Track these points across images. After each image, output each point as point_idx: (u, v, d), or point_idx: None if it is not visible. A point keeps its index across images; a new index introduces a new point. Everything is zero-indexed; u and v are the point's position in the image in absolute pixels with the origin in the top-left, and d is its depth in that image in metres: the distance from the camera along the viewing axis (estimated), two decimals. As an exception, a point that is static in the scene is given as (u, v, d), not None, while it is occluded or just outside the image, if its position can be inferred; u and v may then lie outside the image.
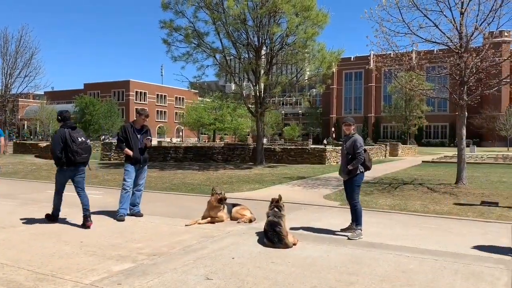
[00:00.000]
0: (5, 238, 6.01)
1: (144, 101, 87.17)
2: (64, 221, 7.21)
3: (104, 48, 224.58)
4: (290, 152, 23.82)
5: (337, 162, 23.12)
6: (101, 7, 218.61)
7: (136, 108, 8.99)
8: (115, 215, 7.45)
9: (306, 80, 25.56)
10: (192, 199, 10.11)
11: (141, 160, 7.71)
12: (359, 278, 4.44)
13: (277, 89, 21.88)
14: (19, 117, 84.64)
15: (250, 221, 7.20)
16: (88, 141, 7.04)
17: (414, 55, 15.19)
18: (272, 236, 5.61)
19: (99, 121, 62.68)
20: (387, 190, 11.93)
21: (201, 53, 21.55)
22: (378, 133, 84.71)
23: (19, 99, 54.53)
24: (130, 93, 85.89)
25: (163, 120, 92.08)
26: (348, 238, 6.17)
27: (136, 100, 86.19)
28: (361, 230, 6.26)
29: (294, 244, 5.68)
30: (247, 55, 22.14)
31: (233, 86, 35.64)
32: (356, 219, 6.34)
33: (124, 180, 7.62)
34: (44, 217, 7.31)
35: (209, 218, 7.08)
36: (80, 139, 6.80)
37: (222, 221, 7.12)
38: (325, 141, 68.81)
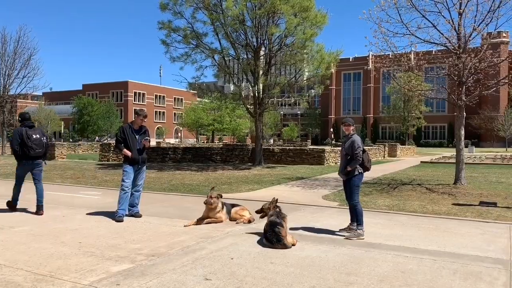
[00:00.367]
0: (3, 238, 6.00)
1: (142, 101, 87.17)
2: (62, 222, 7.19)
3: (103, 49, 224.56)
4: (288, 152, 23.84)
5: (335, 163, 23.13)
6: (100, 8, 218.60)
7: (134, 109, 9.00)
8: (114, 216, 7.44)
9: (305, 81, 25.55)
10: (191, 199, 10.10)
11: (140, 161, 7.70)
12: (358, 278, 4.44)
13: (275, 89, 21.88)
14: (17, 118, 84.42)
15: (249, 221, 7.20)
16: (44, 138, 7.97)
17: (412, 56, 15.21)
18: (271, 236, 5.61)
19: (97, 122, 62.66)
20: (386, 190, 11.94)
21: (199, 53, 21.55)
22: (376, 134, 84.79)
23: (18, 100, 54.41)
24: (129, 93, 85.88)
25: (161, 121, 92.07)
26: (346, 238, 6.17)
27: (134, 101, 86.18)
28: (363, 230, 6.25)
29: (293, 245, 5.67)
30: (245, 56, 22.13)
31: (231, 87, 35.66)
32: (357, 220, 6.32)
33: (123, 180, 7.61)
34: (6, 205, 8.22)
35: (208, 219, 7.08)
36: (35, 136, 7.75)
37: (221, 221, 7.11)
38: (330, 140, 68.75)
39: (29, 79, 33.79)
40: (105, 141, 47.02)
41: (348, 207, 6.70)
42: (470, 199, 10.17)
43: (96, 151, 32.50)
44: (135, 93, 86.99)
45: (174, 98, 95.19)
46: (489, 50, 13.12)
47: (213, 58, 22.04)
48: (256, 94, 21.58)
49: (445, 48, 13.27)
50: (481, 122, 64.31)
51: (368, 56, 77.56)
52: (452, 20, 12.71)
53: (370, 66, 77.04)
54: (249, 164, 22.41)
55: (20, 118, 8.03)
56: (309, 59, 21.82)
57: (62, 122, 79.03)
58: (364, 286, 4.25)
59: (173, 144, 48.02)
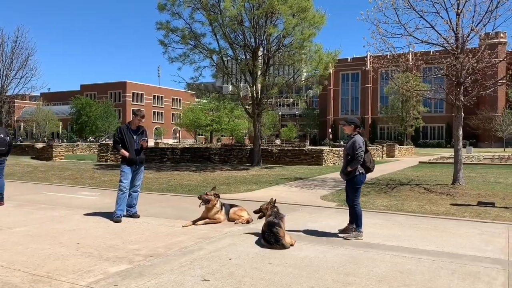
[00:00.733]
0: (1, 239, 5.98)
1: (140, 102, 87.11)
2: (60, 222, 7.18)
3: (101, 49, 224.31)
4: (287, 153, 23.84)
5: (334, 163, 23.15)
6: (98, 8, 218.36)
7: (132, 109, 8.97)
8: (112, 216, 7.43)
9: (303, 81, 25.58)
10: (189, 200, 10.09)
11: (137, 161, 7.69)
12: (356, 279, 4.44)
13: (274, 90, 21.89)
14: (15, 118, 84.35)
15: (248, 222, 7.19)
16: (7, 138, 8.86)
17: (410, 56, 15.22)
18: (269, 236, 5.61)
19: (95, 123, 62.56)
20: (384, 190, 11.95)
21: (198, 54, 21.55)
22: (375, 134, 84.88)
23: (15, 101, 54.29)
24: (127, 94, 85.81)
25: (159, 121, 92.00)
26: (344, 238, 6.17)
27: (132, 101, 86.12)
28: (361, 232, 6.23)
29: (291, 245, 5.67)
30: (244, 56, 22.13)
31: (230, 87, 35.67)
32: (356, 221, 6.30)
33: (121, 181, 7.59)
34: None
35: (206, 219, 7.07)
36: None
37: (219, 222, 7.10)
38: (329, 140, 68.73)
39: (27, 80, 33.85)
40: (103, 142, 46.96)
41: (347, 208, 6.69)
42: (468, 199, 10.19)
43: (94, 152, 32.42)
44: (133, 93, 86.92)
45: (173, 98, 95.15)
46: (487, 51, 13.14)
47: (211, 59, 22.03)
48: (254, 94, 21.58)
49: (443, 48, 13.28)
50: (479, 122, 64.44)
51: (366, 56, 77.70)
52: (450, 21, 12.73)
53: (368, 67, 77.18)
54: (248, 164, 22.41)
55: None
56: (307, 60, 21.84)
57: (60, 122, 78.93)
58: (362, 286, 4.24)
59: (171, 144, 47.97)
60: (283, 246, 5.54)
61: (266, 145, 46.67)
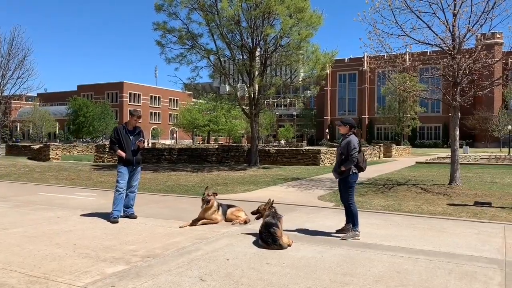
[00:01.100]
0: (-3, 240, 5.95)
1: (138, 102, 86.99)
2: (57, 223, 7.15)
3: (98, 50, 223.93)
4: (284, 153, 23.85)
5: (331, 163, 23.16)
6: (95, 9, 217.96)
7: (129, 110, 8.94)
8: (109, 217, 7.41)
9: (300, 82, 25.61)
10: (186, 200, 10.08)
11: (134, 162, 7.67)
12: (354, 279, 4.44)
13: (271, 90, 21.89)
14: (11, 119, 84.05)
15: (245, 222, 7.18)
16: None
17: (407, 57, 15.27)
18: (267, 237, 5.60)
19: (93, 123, 62.41)
20: (381, 191, 11.96)
21: (195, 54, 21.53)
22: (372, 134, 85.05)
23: (12, 101, 54.11)
24: (124, 94, 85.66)
25: (157, 122, 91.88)
26: (341, 239, 6.17)
27: (130, 101, 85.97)
28: (358, 231, 6.24)
29: (289, 245, 5.67)
30: (241, 57, 22.14)
31: (227, 88, 35.68)
32: (352, 220, 6.31)
33: (117, 181, 7.57)
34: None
35: (203, 220, 7.06)
36: None
37: (216, 222, 7.09)
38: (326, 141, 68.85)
39: (24, 80, 33.61)
40: (100, 142, 46.85)
41: (343, 208, 6.70)
42: (465, 199, 10.21)
43: (91, 152, 32.36)
44: (130, 94, 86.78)
45: (170, 99, 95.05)
46: (483, 51, 13.19)
47: (208, 59, 22.02)
48: (252, 94, 21.58)
49: (439, 49, 13.32)
50: (476, 122, 64.69)
51: (363, 57, 77.90)
52: (447, 21, 12.77)
53: (365, 67, 77.35)
54: (245, 164, 22.40)
55: None
56: (304, 60, 21.86)
57: (57, 123, 78.71)
58: (359, 286, 4.25)
59: (168, 145, 47.90)
60: (280, 247, 5.54)
61: (264, 145, 46.70)
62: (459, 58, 12.49)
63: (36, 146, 30.57)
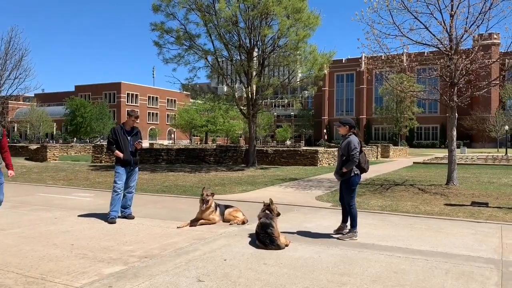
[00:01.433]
0: (-6, 241, 5.94)
1: (135, 103, 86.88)
2: (54, 224, 7.14)
3: (96, 50, 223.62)
4: (282, 153, 23.85)
5: (329, 164, 23.20)
6: (93, 9, 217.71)
7: (126, 110, 8.92)
8: (106, 218, 7.40)
9: (298, 82, 25.65)
10: (184, 201, 10.07)
11: (132, 162, 7.66)
12: (351, 279, 4.45)
13: (269, 91, 21.90)
14: (9, 119, 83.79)
15: (243, 223, 7.18)
16: None
17: (405, 57, 15.29)
18: (264, 237, 5.61)
19: (90, 123, 62.31)
20: (379, 191, 11.99)
21: (192, 55, 21.52)
22: (369, 135, 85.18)
23: (9, 101, 53.96)
24: (122, 95, 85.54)
25: (154, 122, 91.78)
26: (339, 239, 6.18)
27: (127, 102, 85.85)
28: (356, 232, 6.24)
29: (286, 245, 5.67)
30: (239, 57, 22.14)
31: (225, 88, 35.67)
32: (351, 222, 6.30)
33: (115, 182, 7.56)
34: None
35: (201, 220, 7.06)
36: None
37: (214, 223, 7.09)
38: (324, 141, 68.95)
39: (21, 80, 33.62)
40: (97, 143, 46.79)
41: (341, 208, 6.70)
42: (462, 200, 10.24)
43: (89, 153, 32.31)
44: (128, 94, 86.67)
45: (167, 99, 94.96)
46: (480, 52, 13.23)
47: (206, 59, 22.02)
48: (250, 95, 21.59)
49: (437, 49, 13.35)
50: (473, 123, 64.86)
51: (361, 57, 77.94)
52: (444, 22, 12.80)
53: (363, 68, 77.43)
54: (243, 165, 22.40)
55: None
56: (302, 60, 21.88)
57: (55, 123, 78.51)
58: (357, 286, 4.25)
59: (166, 145, 47.84)
60: (278, 247, 5.54)
61: (262, 146, 46.70)
62: (456, 59, 12.52)
63: (33, 146, 30.50)
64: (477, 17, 12.42)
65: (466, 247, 5.80)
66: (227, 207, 7.50)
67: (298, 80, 24.91)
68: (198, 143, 66.95)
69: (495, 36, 60.45)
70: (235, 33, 21.03)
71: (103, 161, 25.17)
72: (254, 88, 21.80)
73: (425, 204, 9.49)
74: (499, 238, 6.38)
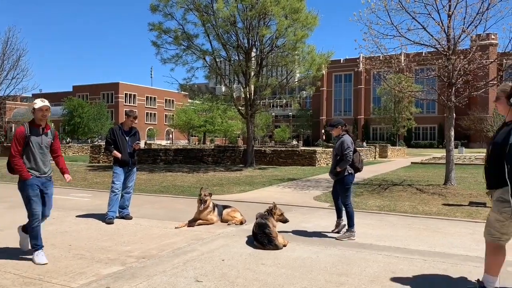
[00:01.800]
0: (-9, 242, 5.92)
1: (133, 103, 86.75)
2: (52, 224, 7.12)
3: (93, 50, 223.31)
4: (280, 154, 23.85)
5: (327, 164, 23.20)
6: (91, 9, 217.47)
7: (125, 110, 8.86)
8: (104, 218, 7.39)
9: (296, 82, 25.65)
10: (182, 201, 10.07)
11: (130, 162, 7.65)
12: (349, 279, 4.45)
13: (267, 91, 21.91)
14: (6, 119, 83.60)
15: (241, 223, 7.18)
16: None
17: (402, 58, 15.31)
18: (262, 238, 5.61)
19: (88, 124, 62.22)
20: (377, 191, 12.00)
21: (190, 55, 21.51)
22: (367, 135, 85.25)
23: (6, 102, 53.83)
24: (119, 95, 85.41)
25: (152, 123, 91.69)
26: (336, 239, 6.19)
27: (125, 102, 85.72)
28: (354, 232, 6.26)
29: (284, 246, 5.68)
30: (237, 57, 22.13)
31: (223, 88, 35.66)
32: (348, 221, 6.32)
33: (113, 182, 7.55)
34: None
35: (199, 221, 7.05)
36: None
37: (212, 223, 7.09)
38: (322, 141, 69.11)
39: (18, 81, 33.51)
40: (95, 143, 46.72)
41: (334, 208, 6.76)
42: (460, 200, 10.26)
43: (86, 153, 32.25)
44: (126, 94, 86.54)
45: (165, 99, 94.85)
46: (478, 52, 13.25)
47: (204, 60, 22.00)
48: (248, 95, 21.58)
49: (434, 49, 13.37)
50: (471, 123, 64.99)
51: (359, 57, 77.95)
52: (442, 22, 12.82)
53: (361, 68, 77.47)
54: (241, 165, 22.40)
55: None
56: (300, 61, 21.89)
57: (52, 123, 78.31)
58: (355, 286, 4.26)
59: (164, 145, 47.80)
60: (276, 247, 5.54)
61: (260, 146, 46.71)
62: (454, 59, 12.54)
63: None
64: (474, 18, 12.44)
65: (464, 247, 5.81)
66: (225, 207, 7.50)
67: (296, 80, 24.91)
68: (196, 143, 66.87)
69: (492, 37, 60.62)
70: (233, 33, 21.02)
71: (101, 161, 25.13)
72: (252, 88, 21.79)
73: (423, 204, 9.51)
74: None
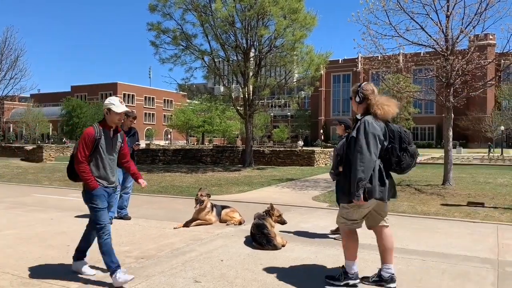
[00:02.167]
0: (-11, 242, 5.91)
1: (132, 103, 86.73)
2: (50, 225, 7.11)
3: (92, 50, 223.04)
4: (279, 154, 23.85)
5: (325, 164, 23.22)
6: (89, 9, 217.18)
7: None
8: (103, 218, 7.36)
9: (295, 83, 25.69)
10: (180, 201, 10.06)
11: (129, 163, 7.63)
12: (348, 279, 4.44)
13: (265, 91, 21.92)
14: (4, 119, 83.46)
15: (240, 223, 7.17)
16: None
17: (401, 58, 15.33)
18: (261, 238, 5.60)
19: (86, 124, 62.18)
20: (375, 191, 11.97)
21: (189, 55, 21.53)
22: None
23: (5, 102, 53.74)
24: (118, 95, 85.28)
25: (151, 123, 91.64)
26: (335, 239, 6.18)
27: (124, 102, 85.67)
28: None
29: (283, 246, 5.67)
30: (235, 57, 22.15)
31: (221, 88, 35.63)
32: None
33: (112, 183, 7.53)
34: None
35: (198, 221, 7.04)
36: None
37: (211, 223, 7.08)
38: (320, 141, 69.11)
39: (16, 81, 33.52)
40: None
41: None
42: (459, 200, 10.27)
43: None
44: (124, 94, 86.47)
45: (164, 99, 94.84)
46: (476, 52, 13.27)
47: (202, 60, 22.01)
48: (246, 95, 21.59)
49: (433, 50, 13.39)
50: (469, 123, 65.10)
51: (357, 58, 78.12)
52: (440, 23, 12.85)
53: (359, 68, 77.58)
54: (239, 165, 22.40)
55: None
56: (298, 61, 21.92)
57: (50, 124, 78.22)
58: (353, 286, 4.25)
59: (162, 146, 47.77)
60: (274, 247, 5.54)
61: (258, 146, 46.70)
62: (452, 59, 12.56)
63: (29, 147, 30.37)
64: (472, 18, 12.47)
65: (463, 247, 5.82)
66: (223, 207, 7.49)
67: (294, 80, 24.95)
68: (195, 143, 66.84)
69: (490, 37, 60.78)
70: (231, 33, 21.04)
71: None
72: (251, 89, 21.81)
73: (421, 204, 9.51)
74: (495, 238, 6.40)
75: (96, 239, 4.44)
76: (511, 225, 7.39)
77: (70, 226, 7.00)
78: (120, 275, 4.16)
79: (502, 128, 52.89)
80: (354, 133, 4.09)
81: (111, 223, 7.12)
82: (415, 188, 12.59)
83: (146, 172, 18.43)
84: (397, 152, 4.13)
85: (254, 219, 5.93)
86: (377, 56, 14.44)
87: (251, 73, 21.59)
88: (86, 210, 8.44)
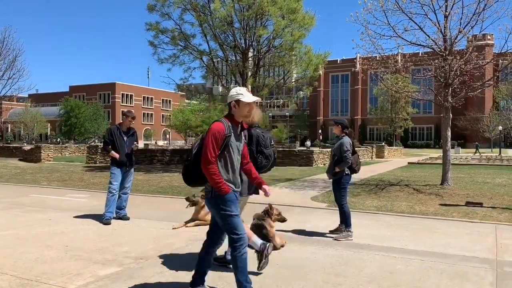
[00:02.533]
0: (-12, 243, 5.89)
1: (130, 103, 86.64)
2: (49, 225, 7.10)
3: (90, 50, 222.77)
4: (277, 154, 23.81)
5: (324, 164, 23.21)
6: (88, 9, 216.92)
7: (122, 111, 8.86)
8: (101, 219, 7.36)
9: (293, 83, 25.68)
10: (179, 202, 10.03)
11: (128, 163, 7.63)
12: (347, 279, 4.45)
13: (264, 91, 21.91)
14: (2, 120, 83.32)
15: (238, 223, 7.16)
16: None
17: (399, 58, 15.34)
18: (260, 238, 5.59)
19: (84, 124, 62.11)
20: (374, 191, 12.01)
21: (187, 55, 21.49)
22: (364, 135, 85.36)
23: (3, 102, 53.61)
24: (116, 95, 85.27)
25: (149, 123, 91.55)
26: (334, 239, 6.19)
27: (122, 102, 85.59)
28: (351, 232, 6.27)
29: (282, 246, 5.67)
30: (234, 57, 22.14)
31: (220, 88, 35.59)
32: (345, 221, 6.34)
33: (110, 183, 7.53)
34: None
35: (197, 221, 7.04)
36: None
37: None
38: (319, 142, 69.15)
39: (15, 81, 33.38)
40: (91, 143, 46.60)
41: (337, 209, 6.73)
42: (457, 200, 10.28)
43: (83, 154, 32.14)
44: (122, 94, 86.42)
45: (162, 99, 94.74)
46: (474, 52, 13.30)
47: (201, 60, 22.00)
48: (245, 95, 21.55)
49: (431, 50, 13.41)
50: (467, 123, 65.19)
51: (356, 58, 78.11)
52: (438, 23, 12.86)
53: (358, 68, 77.60)
54: (238, 165, 22.36)
55: None
56: (297, 61, 21.92)
57: (49, 124, 78.09)
58: (352, 287, 4.26)
59: (161, 146, 47.73)
60: (273, 247, 5.53)
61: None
62: (451, 59, 12.58)
63: (27, 147, 30.30)
64: (471, 18, 12.50)
65: (461, 247, 5.83)
66: (222, 207, 7.47)
67: (293, 80, 24.95)
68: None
69: (489, 37, 60.83)
70: (230, 33, 21.03)
71: (97, 162, 25.05)
72: (250, 89, 21.80)
73: (420, 204, 9.53)
74: (494, 238, 6.41)
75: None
76: (509, 225, 7.41)
77: (68, 226, 6.99)
78: None
79: (500, 128, 52.97)
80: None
81: (110, 224, 7.16)
82: (414, 188, 12.60)
83: (145, 172, 18.41)
84: (254, 154, 4.49)
85: (253, 219, 5.93)
86: (376, 56, 14.46)
87: (249, 73, 21.59)
88: (85, 210, 8.47)
